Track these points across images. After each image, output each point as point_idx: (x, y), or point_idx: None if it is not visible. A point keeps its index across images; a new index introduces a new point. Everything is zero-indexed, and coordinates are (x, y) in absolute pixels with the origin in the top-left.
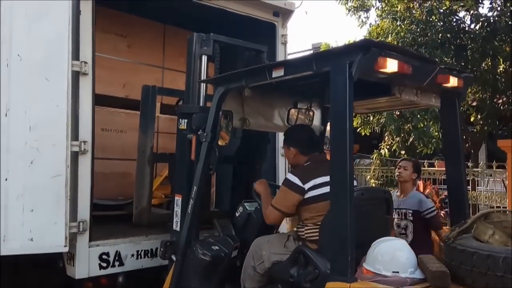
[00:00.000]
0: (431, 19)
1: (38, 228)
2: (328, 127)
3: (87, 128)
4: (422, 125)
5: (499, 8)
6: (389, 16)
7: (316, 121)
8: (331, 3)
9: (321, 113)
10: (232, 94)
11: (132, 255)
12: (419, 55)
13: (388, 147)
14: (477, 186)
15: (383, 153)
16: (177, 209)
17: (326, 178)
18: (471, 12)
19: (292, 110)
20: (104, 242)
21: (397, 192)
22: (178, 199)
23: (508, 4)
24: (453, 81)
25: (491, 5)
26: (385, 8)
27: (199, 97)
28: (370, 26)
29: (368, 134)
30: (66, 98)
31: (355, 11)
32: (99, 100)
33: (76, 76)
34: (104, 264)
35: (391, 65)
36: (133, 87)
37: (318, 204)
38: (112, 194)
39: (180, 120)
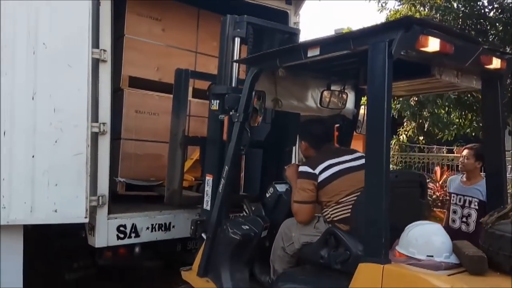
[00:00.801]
0: (450, 5)
1: (61, 201)
2: (361, 110)
3: (106, 111)
4: (441, 111)
5: None
6: (408, 2)
7: (350, 104)
8: None
9: (354, 95)
10: (265, 74)
11: (147, 228)
12: (462, 34)
13: (406, 133)
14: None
15: (401, 139)
16: (208, 189)
17: (335, 160)
18: None
19: (325, 92)
20: (121, 215)
21: (462, 177)
22: (209, 179)
23: None
24: (496, 63)
25: None
26: None
27: (231, 79)
28: (389, 12)
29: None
30: (86, 83)
31: None
32: (133, 82)
33: (96, 63)
34: (122, 235)
35: (433, 44)
36: (166, 71)
37: (332, 184)
38: (144, 175)
39: (212, 101)
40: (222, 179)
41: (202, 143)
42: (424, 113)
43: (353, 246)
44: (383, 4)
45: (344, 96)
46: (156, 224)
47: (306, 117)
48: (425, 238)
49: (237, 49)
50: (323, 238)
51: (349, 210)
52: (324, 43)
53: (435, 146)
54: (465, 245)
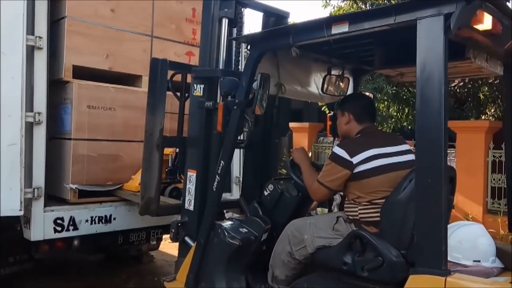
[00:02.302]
0: (389, 3)
1: None
2: None
3: (42, 100)
4: (380, 105)
5: None
6: None
7: (350, 90)
8: None
9: (353, 80)
10: (267, 55)
11: (86, 221)
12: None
13: None
14: None
15: None
16: (190, 186)
17: (380, 150)
18: None
19: (327, 77)
20: (58, 208)
21: None
22: (191, 175)
23: None
24: None
25: None
26: None
27: (217, 63)
28: (333, 8)
29: (331, 113)
30: (21, 71)
31: None
32: (78, 72)
33: (31, 50)
34: (59, 228)
35: (487, 22)
36: (117, 58)
37: (371, 179)
38: (100, 179)
39: (195, 85)
40: (217, 176)
41: (181, 143)
42: None
43: (387, 251)
44: (327, 1)
45: (346, 81)
46: (96, 216)
47: None
48: (471, 241)
49: (225, 30)
50: (346, 241)
51: None
52: (355, 18)
53: None
54: (508, 247)
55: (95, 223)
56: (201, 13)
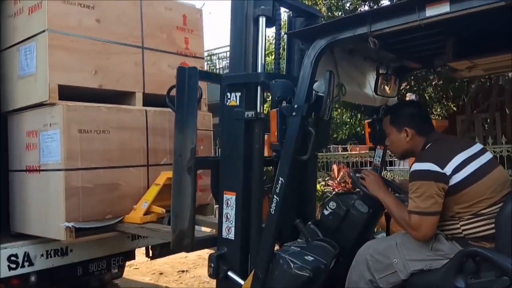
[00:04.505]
0: (332, 14)
1: None
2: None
3: None
4: (334, 113)
5: None
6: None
7: (394, 92)
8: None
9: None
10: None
11: (42, 255)
12: None
13: None
14: (392, 165)
15: None
16: (229, 211)
17: (466, 154)
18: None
19: (381, 77)
20: (12, 244)
21: None
22: (229, 197)
23: None
24: None
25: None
26: None
27: (255, 67)
28: None
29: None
30: None
31: None
32: (64, 93)
33: None
34: (14, 265)
35: None
36: (107, 74)
37: (472, 188)
38: (98, 213)
39: (228, 94)
40: (275, 197)
41: (215, 163)
42: None
43: None
44: None
45: (396, 81)
46: (51, 250)
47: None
48: None
49: (263, 31)
50: (456, 262)
51: (493, 224)
52: None
53: (331, 146)
54: None
55: (51, 256)
56: (192, 20)
